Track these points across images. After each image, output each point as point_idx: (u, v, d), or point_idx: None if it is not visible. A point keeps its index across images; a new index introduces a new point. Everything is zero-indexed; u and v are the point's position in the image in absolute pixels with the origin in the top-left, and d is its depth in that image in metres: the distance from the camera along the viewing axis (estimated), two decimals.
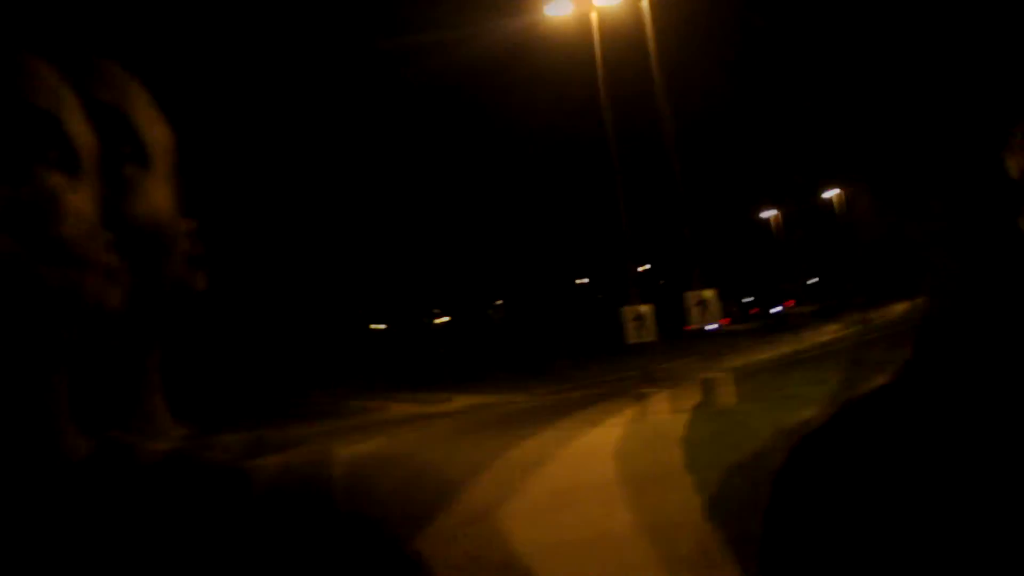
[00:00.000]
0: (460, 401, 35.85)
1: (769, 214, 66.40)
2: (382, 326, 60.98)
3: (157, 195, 0.62)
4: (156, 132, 0.65)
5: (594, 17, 19.65)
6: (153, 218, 0.60)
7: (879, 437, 0.69)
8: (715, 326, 18.72)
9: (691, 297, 17.76)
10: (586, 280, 68.56)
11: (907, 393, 0.69)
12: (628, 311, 18.73)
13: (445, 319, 63.46)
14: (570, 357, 52.78)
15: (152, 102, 0.66)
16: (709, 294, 17.86)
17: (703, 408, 16.55)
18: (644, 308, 18.53)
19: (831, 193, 63.79)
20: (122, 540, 0.57)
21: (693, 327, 18.24)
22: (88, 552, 0.56)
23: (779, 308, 67.18)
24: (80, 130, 0.56)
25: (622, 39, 21.15)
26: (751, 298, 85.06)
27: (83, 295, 0.54)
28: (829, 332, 44.67)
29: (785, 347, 38.21)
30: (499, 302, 67.63)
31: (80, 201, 0.54)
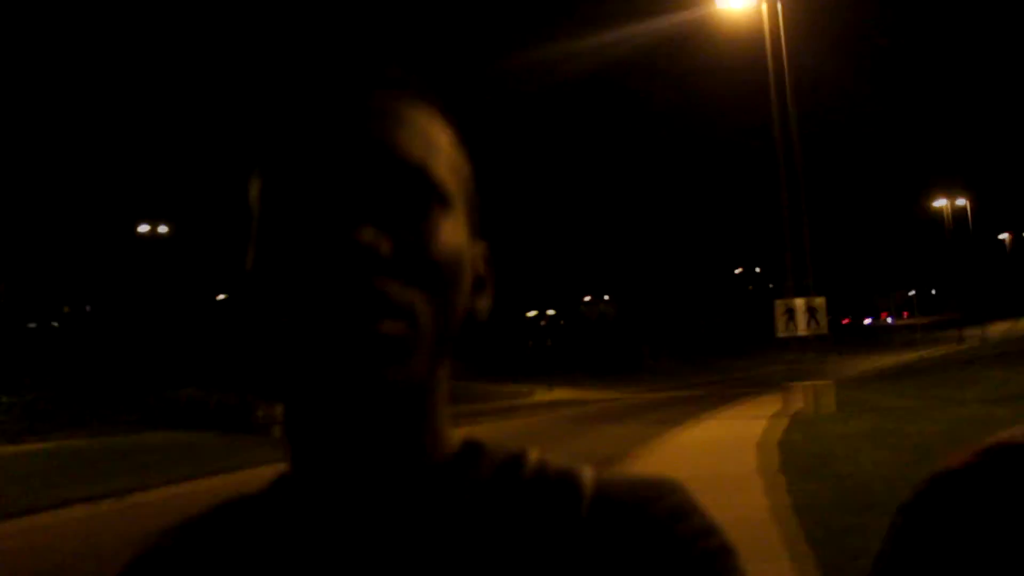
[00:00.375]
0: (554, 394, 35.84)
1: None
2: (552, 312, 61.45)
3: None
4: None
5: (764, 9, 19.22)
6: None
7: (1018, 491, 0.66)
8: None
9: (779, 306, 17.21)
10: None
11: None
12: (780, 304, 17.88)
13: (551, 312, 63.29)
14: (661, 356, 52.10)
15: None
16: (816, 302, 17.26)
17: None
18: (798, 301, 17.68)
19: (940, 203, 61.21)
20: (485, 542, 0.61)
21: (783, 336, 17.54)
22: (452, 551, 0.61)
23: (869, 320, 64.82)
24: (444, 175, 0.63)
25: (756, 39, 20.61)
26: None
27: (459, 308, 0.62)
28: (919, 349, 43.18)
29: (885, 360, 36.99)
30: (606, 297, 67.09)
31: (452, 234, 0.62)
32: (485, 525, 0.62)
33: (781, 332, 17.73)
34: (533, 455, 0.67)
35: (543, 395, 37.78)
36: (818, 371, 17.95)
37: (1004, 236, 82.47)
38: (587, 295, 66.52)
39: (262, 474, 0.72)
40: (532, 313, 61.78)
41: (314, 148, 0.60)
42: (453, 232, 0.62)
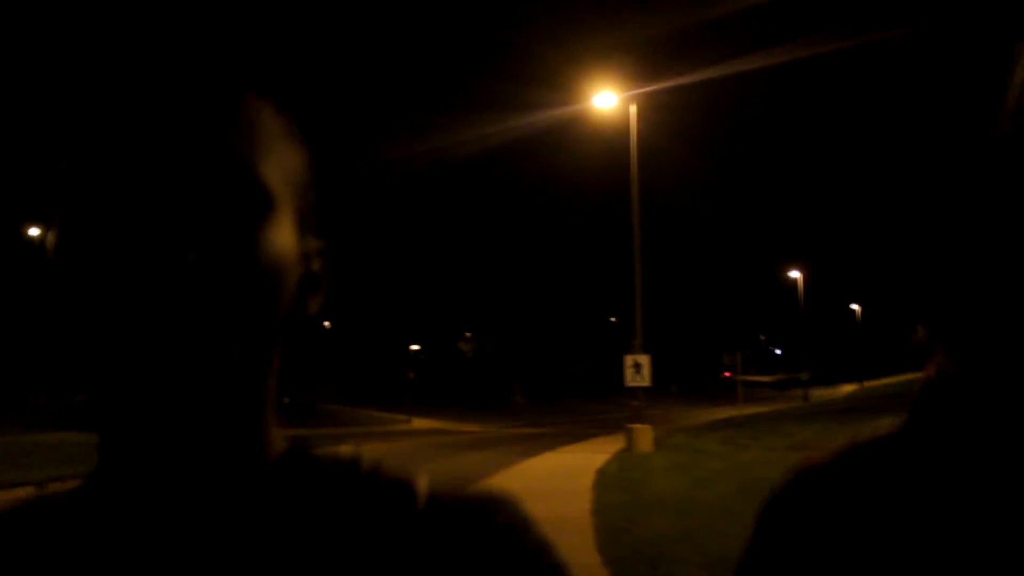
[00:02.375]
0: (421, 423, 38.84)
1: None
2: (416, 347, 64.24)
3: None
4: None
5: (633, 110, 23.08)
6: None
7: (877, 479, 0.71)
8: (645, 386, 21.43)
9: (628, 360, 20.86)
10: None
11: (907, 441, 0.72)
12: (628, 358, 21.18)
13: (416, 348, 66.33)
14: (527, 395, 55.92)
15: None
16: (644, 359, 20.92)
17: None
18: (643, 358, 20.98)
19: (794, 274, 67.60)
20: (313, 537, 0.61)
21: (629, 385, 21.19)
22: (281, 545, 0.60)
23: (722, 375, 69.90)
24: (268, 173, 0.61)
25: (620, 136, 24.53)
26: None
27: (284, 304, 0.61)
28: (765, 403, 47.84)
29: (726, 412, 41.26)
30: (468, 335, 70.54)
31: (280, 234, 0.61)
32: (313, 524, 0.61)
33: (628, 382, 21.33)
34: (366, 459, 0.67)
35: (417, 424, 40.71)
36: (661, 418, 21.25)
37: (855, 307, 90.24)
38: (466, 333, 69.82)
39: None
40: (415, 347, 64.72)
41: (126, 141, 0.57)
42: (275, 231, 0.60)
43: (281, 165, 0.63)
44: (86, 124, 0.59)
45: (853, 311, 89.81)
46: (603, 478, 15.06)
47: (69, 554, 0.61)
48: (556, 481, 15.34)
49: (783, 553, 0.73)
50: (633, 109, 23.26)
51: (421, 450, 24.22)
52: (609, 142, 24.64)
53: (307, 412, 39.67)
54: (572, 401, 55.95)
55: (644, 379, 20.64)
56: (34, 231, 44.29)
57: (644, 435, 20.37)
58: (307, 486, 0.64)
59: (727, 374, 68.82)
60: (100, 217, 0.56)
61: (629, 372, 20.76)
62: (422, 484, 0.65)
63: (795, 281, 68.65)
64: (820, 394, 57.60)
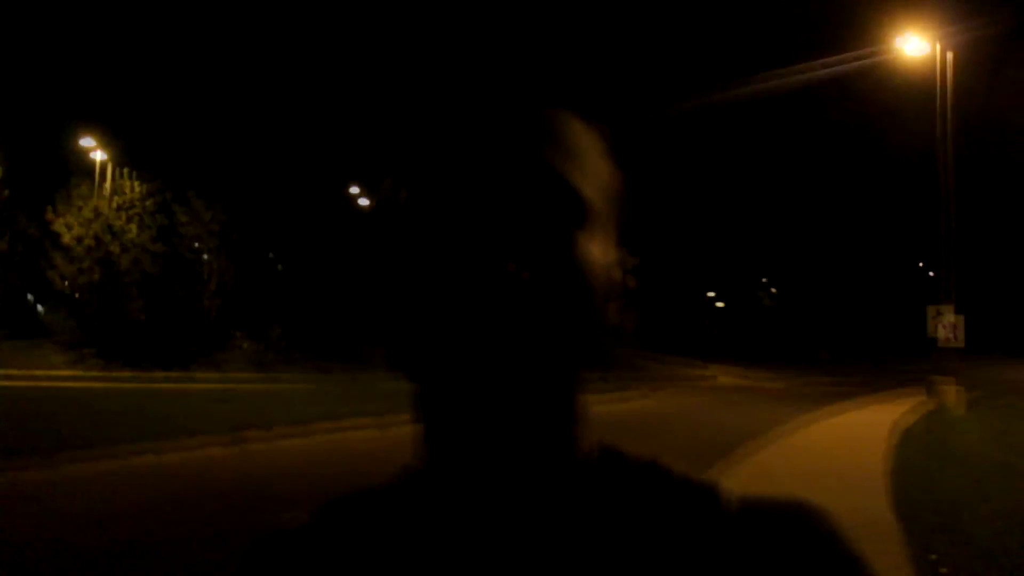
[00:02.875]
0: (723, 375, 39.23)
1: None
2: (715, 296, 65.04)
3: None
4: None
5: (940, 56, 22.15)
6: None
7: None
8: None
9: (933, 310, 20.15)
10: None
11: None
12: (931, 309, 20.59)
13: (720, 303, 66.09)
14: (830, 351, 54.33)
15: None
16: (957, 320, 20.08)
17: None
18: (957, 317, 20.16)
19: None
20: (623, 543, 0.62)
21: (941, 346, 20.31)
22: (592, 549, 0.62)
23: None
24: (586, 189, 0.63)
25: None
26: None
27: (597, 315, 0.63)
28: None
29: None
30: (773, 290, 69.14)
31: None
32: (628, 527, 0.63)
33: (931, 332, 20.57)
34: (675, 465, 0.68)
35: (722, 380, 41.16)
36: (975, 376, 20.14)
37: None
38: (765, 284, 68.65)
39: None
40: (711, 294, 64.60)
41: (454, 160, 0.61)
42: (591, 242, 0.62)
43: (594, 179, 0.64)
44: (421, 144, 0.64)
45: None
46: (906, 435, 14.98)
47: (393, 546, 0.65)
48: (858, 434, 15.44)
49: None
50: (950, 56, 22.06)
51: (719, 404, 24.77)
52: (922, 83, 23.42)
53: (617, 363, 41.18)
54: (877, 357, 53.64)
55: (958, 340, 19.88)
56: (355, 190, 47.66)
57: (954, 393, 19.64)
58: (619, 488, 0.65)
59: None
60: (435, 225, 0.60)
61: (932, 323, 20.07)
62: (732, 492, 0.66)
63: None
64: None
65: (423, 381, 0.63)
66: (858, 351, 56.30)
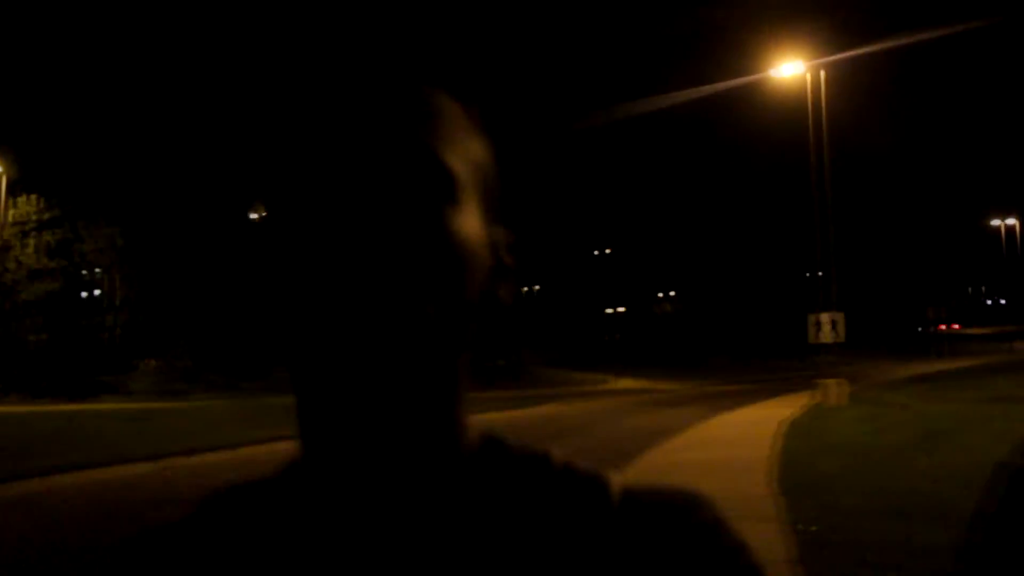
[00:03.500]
0: (623, 383, 40.69)
1: None
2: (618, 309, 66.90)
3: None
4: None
5: (809, 78, 23.87)
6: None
7: None
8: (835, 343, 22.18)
9: (811, 318, 21.72)
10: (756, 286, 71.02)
11: None
12: (812, 317, 22.18)
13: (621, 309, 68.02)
14: (725, 354, 56.67)
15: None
16: (838, 316, 21.69)
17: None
18: (837, 315, 21.83)
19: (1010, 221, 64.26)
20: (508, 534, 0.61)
21: (813, 343, 21.96)
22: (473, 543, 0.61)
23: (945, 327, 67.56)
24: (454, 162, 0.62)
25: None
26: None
27: (474, 292, 0.62)
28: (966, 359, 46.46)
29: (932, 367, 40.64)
30: (672, 293, 71.43)
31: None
32: (511, 518, 0.62)
33: (812, 339, 22.23)
34: (558, 455, 0.67)
35: (619, 384, 42.61)
36: (860, 373, 21.67)
37: None
38: (664, 294, 70.92)
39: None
40: (610, 311, 66.64)
41: (322, 132, 0.60)
42: (461, 217, 0.61)
43: (465, 155, 0.63)
44: (287, 117, 0.62)
45: None
46: (791, 428, 16.30)
47: (268, 542, 0.63)
48: (748, 430, 16.68)
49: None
50: (821, 76, 23.80)
51: (623, 407, 25.94)
52: (800, 101, 25.17)
53: (517, 374, 42.24)
54: (770, 360, 56.12)
55: (839, 336, 21.42)
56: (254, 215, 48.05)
57: (835, 389, 21.23)
58: (502, 480, 0.64)
59: (941, 327, 66.50)
60: (299, 204, 0.59)
61: (812, 330, 21.61)
62: (616, 481, 0.65)
63: (1000, 228, 65.68)
64: None
65: (297, 372, 0.61)
66: (755, 355, 58.71)
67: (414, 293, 0.57)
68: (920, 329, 67.79)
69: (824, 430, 15.49)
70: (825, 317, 21.70)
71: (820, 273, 23.43)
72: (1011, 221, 67.38)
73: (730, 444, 14.49)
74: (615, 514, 0.63)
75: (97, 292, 39.98)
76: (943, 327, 67.23)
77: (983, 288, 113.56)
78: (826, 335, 21.53)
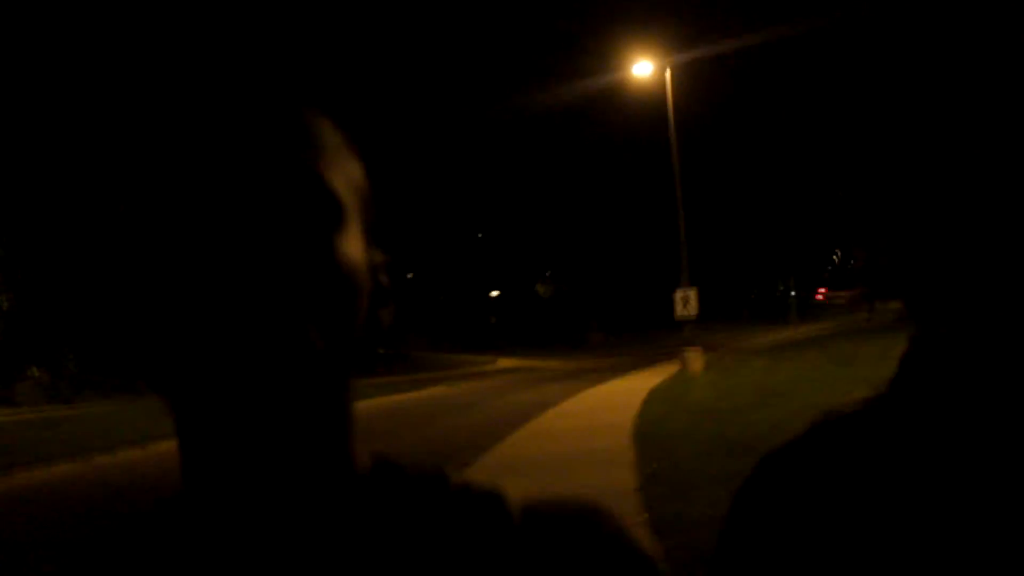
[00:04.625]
0: (505, 363, 42.74)
1: None
2: (496, 292, 68.91)
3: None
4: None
5: (668, 75, 26.11)
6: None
7: (856, 455, 0.66)
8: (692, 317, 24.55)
9: (678, 295, 24.08)
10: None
11: (887, 411, 0.66)
12: (679, 292, 24.17)
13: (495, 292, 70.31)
14: (603, 331, 59.68)
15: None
16: (691, 292, 24.07)
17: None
18: (690, 291, 23.89)
19: None
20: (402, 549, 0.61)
21: (678, 318, 24.36)
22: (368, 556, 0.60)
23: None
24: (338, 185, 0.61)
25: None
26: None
27: (360, 316, 0.61)
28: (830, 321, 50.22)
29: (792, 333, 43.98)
30: (547, 273, 74.06)
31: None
32: (407, 539, 0.62)
33: (678, 315, 24.54)
34: (452, 473, 0.66)
35: (502, 364, 44.58)
36: (726, 342, 23.71)
37: None
38: (543, 275, 73.40)
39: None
40: (495, 293, 68.70)
41: (199, 154, 0.57)
42: (346, 240, 0.60)
43: (346, 177, 0.63)
44: (160, 135, 0.58)
45: None
46: (653, 394, 18.53)
47: (161, 572, 0.61)
48: (616, 399, 18.81)
49: (756, 547, 0.70)
50: (668, 74, 26.19)
51: (505, 386, 27.84)
52: (655, 97, 27.54)
53: (399, 360, 43.69)
54: (645, 334, 59.21)
55: (692, 310, 23.77)
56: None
57: (695, 359, 23.65)
58: (397, 502, 0.63)
59: (820, 295, 70.39)
60: (173, 226, 0.56)
61: (679, 305, 23.94)
62: (514, 498, 0.65)
63: None
64: (893, 307, 59.29)
65: (177, 400, 0.59)
66: (630, 330, 61.82)
67: (298, 317, 0.56)
68: (818, 296, 71.32)
69: (678, 394, 17.75)
70: (681, 293, 24.03)
71: (675, 256, 25.68)
72: None
73: (601, 411, 16.56)
74: (516, 530, 0.63)
75: None
76: (803, 294, 71.84)
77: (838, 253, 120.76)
78: (688, 309, 23.85)
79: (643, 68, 27.10)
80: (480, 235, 70.16)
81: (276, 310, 0.55)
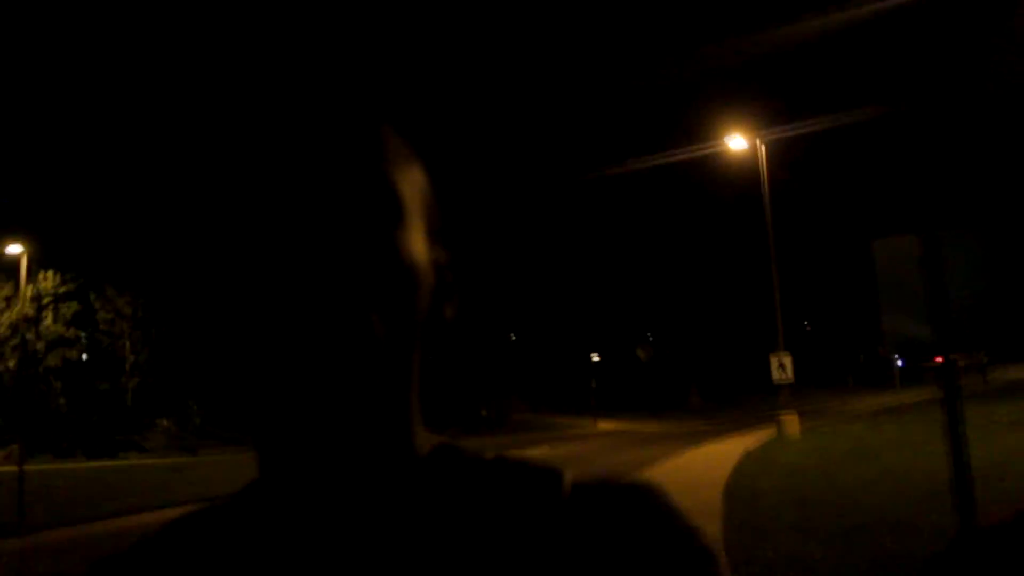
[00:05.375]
0: (605, 425, 43.53)
1: None
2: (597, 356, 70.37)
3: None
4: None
5: (762, 149, 27.23)
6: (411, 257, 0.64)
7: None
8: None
9: (773, 360, 24.71)
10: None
11: None
12: (774, 357, 24.72)
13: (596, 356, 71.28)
14: (701, 395, 59.85)
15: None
16: (786, 358, 24.65)
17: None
18: (785, 357, 24.43)
19: None
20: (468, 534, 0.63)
21: (776, 383, 24.90)
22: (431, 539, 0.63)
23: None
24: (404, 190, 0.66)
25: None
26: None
27: (422, 308, 0.65)
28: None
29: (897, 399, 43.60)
30: (648, 336, 74.53)
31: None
32: (461, 514, 0.64)
33: (776, 380, 25.11)
34: (512, 455, 0.69)
35: (601, 427, 45.38)
36: (831, 408, 23.75)
37: None
38: (636, 340, 74.03)
39: None
40: (596, 357, 69.68)
41: (280, 161, 0.62)
42: (407, 236, 0.64)
43: (410, 181, 0.67)
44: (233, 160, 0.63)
45: None
46: (747, 456, 19.27)
47: (233, 559, 0.65)
48: (712, 459, 19.62)
49: None
50: (761, 148, 27.20)
51: (606, 448, 28.76)
52: (750, 169, 28.56)
53: (501, 422, 44.85)
54: (743, 398, 59.09)
55: (787, 374, 24.34)
56: None
57: (791, 423, 24.17)
58: (455, 480, 0.66)
59: (936, 361, 68.49)
60: (254, 234, 0.60)
61: (776, 370, 24.54)
62: (568, 474, 0.67)
63: None
64: (1008, 375, 57.63)
65: (249, 386, 0.62)
66: (727, 394, 61.87)
67: (363, 306, 0.60)
68: (933, 362, 69.49)
69: (774, 456, 18.49)
70: (776, 359, 24.63)
71: (772, 322, 26.25)
72: None
73: (698, 470, 17.42)
74: (566, 503, 0.65)
75: (116, 355, 42.45)
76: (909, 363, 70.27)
77: None
78: (779, 374, 24.44)
79: (738, 143, 28.19)
80: (583, 299, 71.47)
81: (341, 299, 0.59)
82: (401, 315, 0.63)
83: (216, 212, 0.64)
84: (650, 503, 0.65)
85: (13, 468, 26.62)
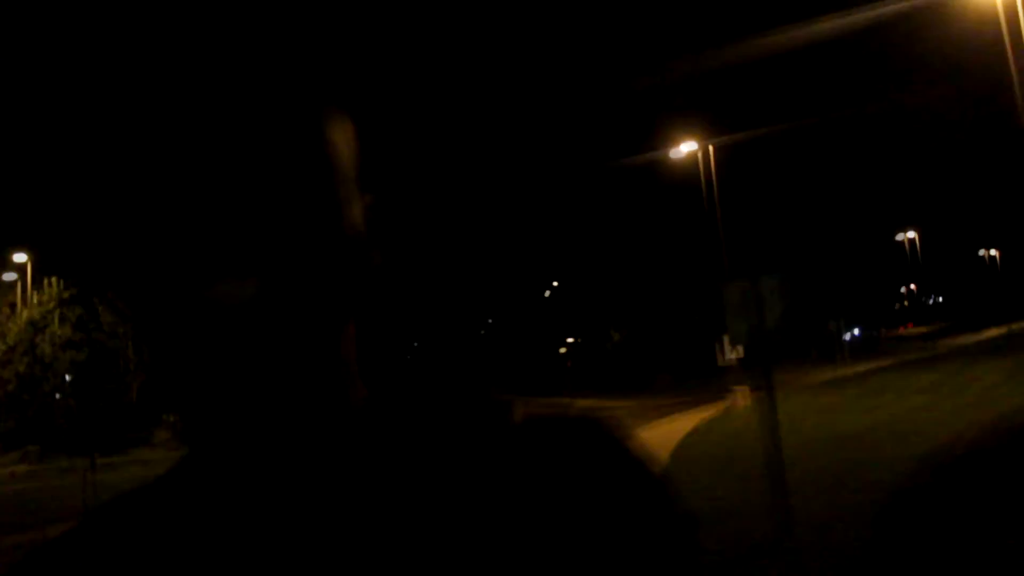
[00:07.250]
0: (580, 404, 46.69)
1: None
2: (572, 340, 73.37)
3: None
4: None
5: (700, 155, 30.31)
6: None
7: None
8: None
9: (725, 339, 27.71)
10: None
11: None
12: (717, 343, 27.03)
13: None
14: (670, 374, 63.20)
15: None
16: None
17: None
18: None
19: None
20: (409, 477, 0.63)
21: (723, 363, 27.90)
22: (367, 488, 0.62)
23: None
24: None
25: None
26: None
27: (360, 264, 0.65)
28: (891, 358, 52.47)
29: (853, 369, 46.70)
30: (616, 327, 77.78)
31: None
32: (407, 445, 0.64)
33: (722, 361, 28.03)
34: (463, 392, 0.70)
35: (579, 404, 48.32)
36: (780, 382, 26.60)
37: (993, 253, 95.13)
38: (608, 324, 77.27)
39: None
40: (571, 340, 72.75)
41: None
42: (348, 206, 0.64)
43: (342, 143, 0.67)
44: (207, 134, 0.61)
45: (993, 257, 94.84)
46: (699, 424, 22.40)
47: (182, 526, 0.64)
48: (674, 427, 22.67)
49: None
50: (711, 149, 30.27)
51: None
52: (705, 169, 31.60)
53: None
54: (711, 376, 62.14)
55: (731, 359, 27.31)
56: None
57: (742, 397, 27.27)
58: (396, 421, 0.66)
59: (905, 328, 72.04)
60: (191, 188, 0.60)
61: (727, 350, 27.47)
62: (519, 406, 0.68)
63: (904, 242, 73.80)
64: (958, 341, 61.02)
65: (177, 354, 0.63)
66: (694, 373, 64.91)
67: (291, 260, 0.59)
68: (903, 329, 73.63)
69: (720, 426, 21.64)
70: (727, 340, 27.66)
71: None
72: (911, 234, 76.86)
73: (656, 438, 20.46)
74: (515, 429, 0.66)
75: (120, 357, 44.40)
76: (871, 331, 74.03)
77: (914, 288, 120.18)
78: (723, 359, 27.43)
79: (689, 146, 31.37)
80: (556, 284, 74.53)
81: (270, 250, 0.58)
82: (329, 263, 0.62)
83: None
84: (601, 433, 0.68)
85: (29, 468, 28.59)
